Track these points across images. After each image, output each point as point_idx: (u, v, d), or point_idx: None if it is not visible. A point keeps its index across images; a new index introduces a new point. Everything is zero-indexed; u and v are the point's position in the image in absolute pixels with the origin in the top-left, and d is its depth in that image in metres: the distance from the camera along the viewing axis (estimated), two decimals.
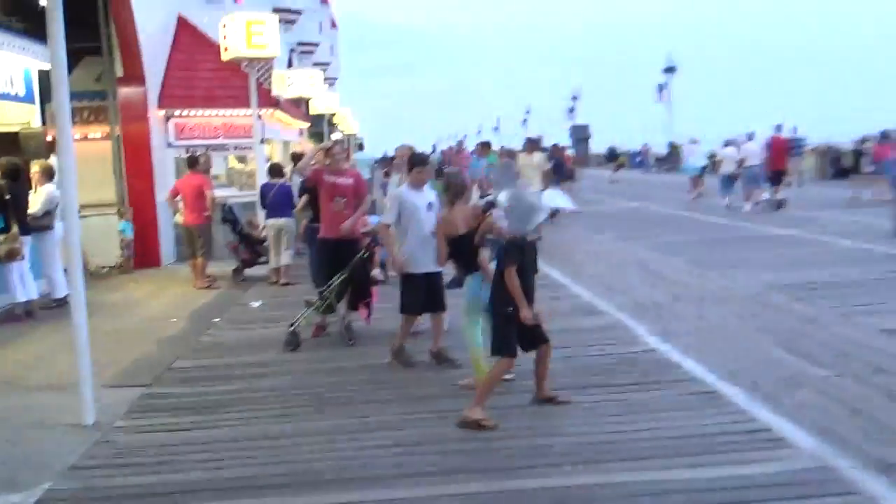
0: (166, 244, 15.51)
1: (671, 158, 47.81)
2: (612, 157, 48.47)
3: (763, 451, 5.22)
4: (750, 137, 23.72)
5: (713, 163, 27.49)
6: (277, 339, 8.96)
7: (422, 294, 7.58)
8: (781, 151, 22.75)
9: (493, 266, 6.77)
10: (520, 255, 6.11)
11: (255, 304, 11.44)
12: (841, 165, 30.33)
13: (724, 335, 8.37)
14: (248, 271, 13.61)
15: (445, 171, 10.10)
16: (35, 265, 10.83)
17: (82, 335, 6.58)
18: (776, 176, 22.23)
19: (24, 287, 10.51)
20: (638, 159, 54.74)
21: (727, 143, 25.35)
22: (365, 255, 8.68)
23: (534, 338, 6.24)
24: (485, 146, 22.06)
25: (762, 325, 8.69)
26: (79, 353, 6.57)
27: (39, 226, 10.83)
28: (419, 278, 7.57)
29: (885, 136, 21.82)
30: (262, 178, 14.16)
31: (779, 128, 23.61)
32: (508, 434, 5.80)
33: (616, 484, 4.84)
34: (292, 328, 8.67)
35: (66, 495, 5.14)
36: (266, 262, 13.38)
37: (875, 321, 8.40)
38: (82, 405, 6.55)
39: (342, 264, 8.60)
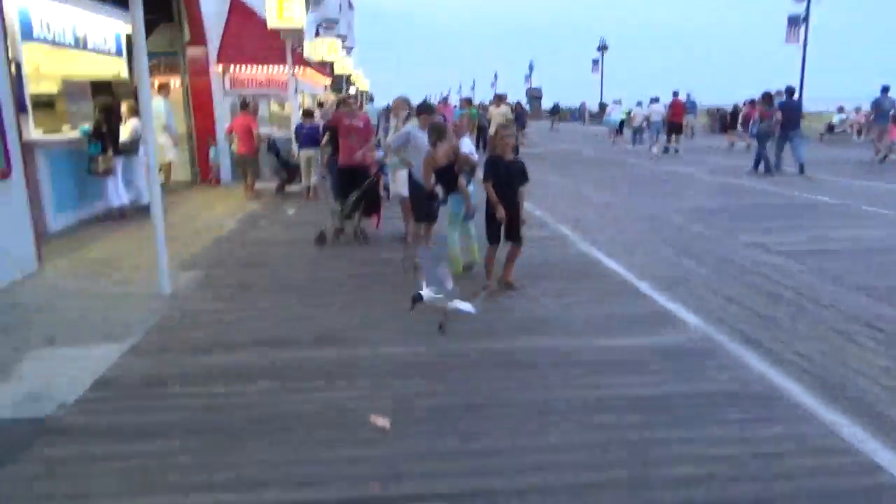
0: (224, 168, 15.20)
1: (600, 114, 47.12)
2: (555, 111, 47.55)
3: (663, 328, 5.22)
4: (655, 100, 24.79)
5: (629, 118, 27.65)
6: (307, 239, 8.84)
7: (426, 205, 7.37)
8: (679, 110, 22.97)
9: (470, 188, 6.67)
10: (495, 172, 6.15)
11: (290, 212, 11.25)
12: (724, 122, 30.07)
13: (636, 244, 8.34)
14: (287, 189, 13.45)
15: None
16: (125, 179, 10.57)
17: (159, 226, 6.42)
18: (675, 128, 22.48)
19: (119, 195, 10.28)
20: (576, 115, 54.21)
21: (638, 104, 27.02)
22: (374, 179, 8.58)
23: (511, 235, 6.25)
24: (467, 101, 22.61)
25: (665, 238, 8.67)
26: (157, 240, 6.43)
27: (127, 150, 10.51)
28: (423, 191, 7.33)
29: (751, 101, 22.36)
30: (296, 119, 13.97)
31: (676, 93, 23.79)
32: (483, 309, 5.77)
33: (550, 348, 4.83)
34: (320, 230, 8.57)
35: (149, 346, 5.08)
36: (299, 183, 13.21)
37: (746, 237, 8.38)
38: (161, 281, 6.45)
39: (356, 185, 8.59)
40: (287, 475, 3.24)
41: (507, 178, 6.16)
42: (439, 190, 6.94)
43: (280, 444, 3.54)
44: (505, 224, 6.18)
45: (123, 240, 8.93)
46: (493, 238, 6.30)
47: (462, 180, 6.64)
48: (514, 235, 6.26)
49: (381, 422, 3.67)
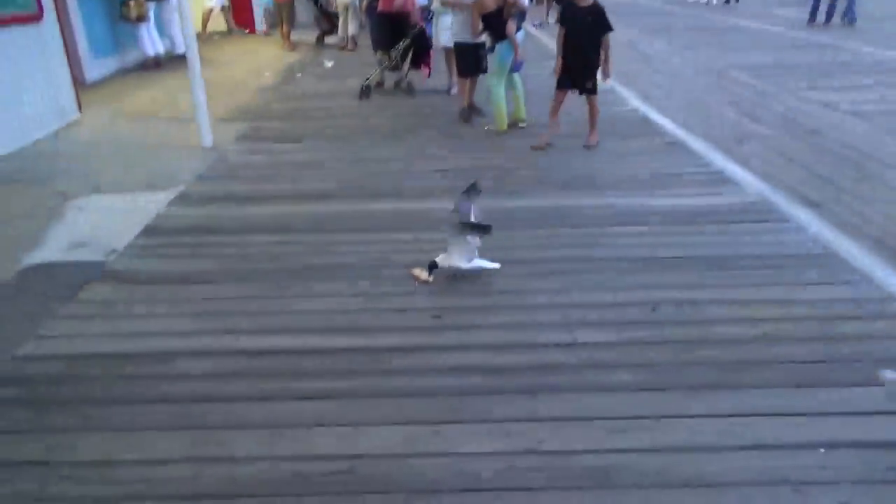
0: (258, 16, 14.59)
1: None
2: None
3: (718, 187, 5.00)
4: None
5: None
6: (346, 90, 8.59)
7: (472, 60, 6.95)
8: None
9: (519, 35, 6.23)
10: (570, 20, 5.87)
11: (329, 64, 10.85)
12: None
13: (691, 101, 7.88)
14: (326, 40, 12.89)
15: None
16: (159, 27, 10.20)
17: (197, 77, 6.25)
18: None
19: (153, 43, 9.98)
20: None
21: None
22: (420, 27, 8.10)
23: (578, 83, 6.02)
24: None
25: (722, 94, 8.15)
26: (195, 91, 6.26)
27: None
28: (470, 48, 6.91)
29: None
30: None
31: None
32: (526, 166, 5.60)
33: (605, 205, 4.69)
34: (366, 81, 8.27)
35: (196, 195, 5.08)
36: (337, 33, 12.63)
37: (815, 95, 7.82)
38: (202, 133, 6.36)
39: (398, 33, 8.17)
40: (328, 322, 3.29)
41: (581, 25, 5.77)
42: (486, 38, 6.52)
43: (322, 295, 3.57)
44: (576, 74, 5.92)
45: (160, 90, 8.78)
46: (561, 83, 6.06)
47: (511, 26, 6.18)
48: (581, 84, 5.96)
49: (423, 275, 3.65)
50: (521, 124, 6.68)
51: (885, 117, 6.78)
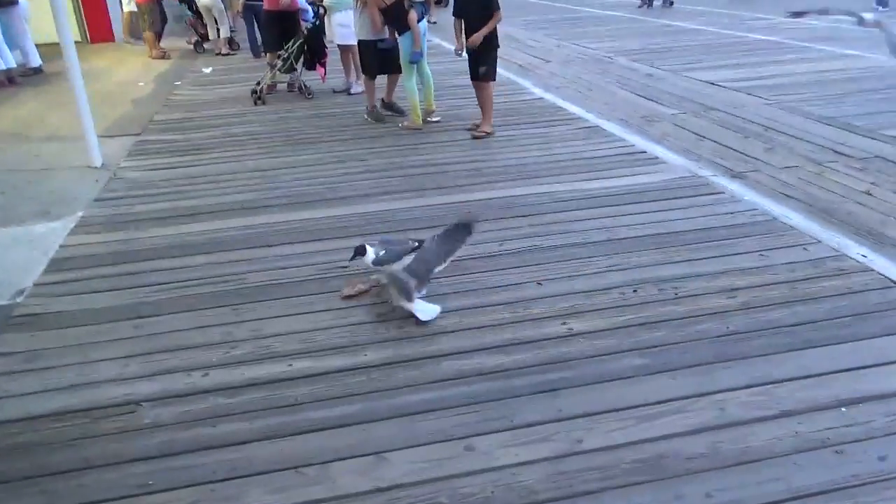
0: (116, 23, 13.35)
1: None
2: None
3: (646, 167, 5.12)
4: None
5: None
6: (236, 97, 8.06)
7: (376, 59, 6.63)
8: None
9: (422, 24, 6.09)
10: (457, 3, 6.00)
11: (207, 70, 10.14)
12: None
13: (590, 87, 8.07)
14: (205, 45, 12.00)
15: None
16: (7, 39, 9.06)
17: (80, 89, 5.58)
18: None
19: (3, 57, 8.85)
20: None
21: None
22: (317, 23, 7.70)
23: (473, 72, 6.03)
24: None
25: (613, 79, 8.42)
26: (80, 105, 5.60)
27: (3, 1, 8.96)
28: (372, 45, 6.59)
29: None
30: None
31: None
32: (454, 160, 5.46)
33: (546, 192, 4.65)
34: (258, 86, 7.76)
35: (99, 220, 4.52)
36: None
37: (698, 75, 8.27)
38: (90, 150, 5.70)
39: (288, 32, 7.75)
40: (305, 343, 2.99)
41: (465, 8, 5.81)
42: (385, 34, 6.34)
43: (284, 313, 3.25)
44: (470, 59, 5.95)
45: (24, 108, 7.81)
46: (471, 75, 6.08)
47: (413, 15, 5.99)
48: (475, 72, 5.96)
49: (355, 289, 3.40)
50: (433, 118, 6.53)
51: (766, 91, 7.28)
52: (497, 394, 2.59)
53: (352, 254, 3.25)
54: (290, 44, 7.66)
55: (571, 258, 3.67)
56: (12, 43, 9.12)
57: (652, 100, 7.21)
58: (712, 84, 7.79)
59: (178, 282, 3.61)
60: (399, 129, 6.40)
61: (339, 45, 7.90)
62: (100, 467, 2.31)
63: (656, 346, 2.84)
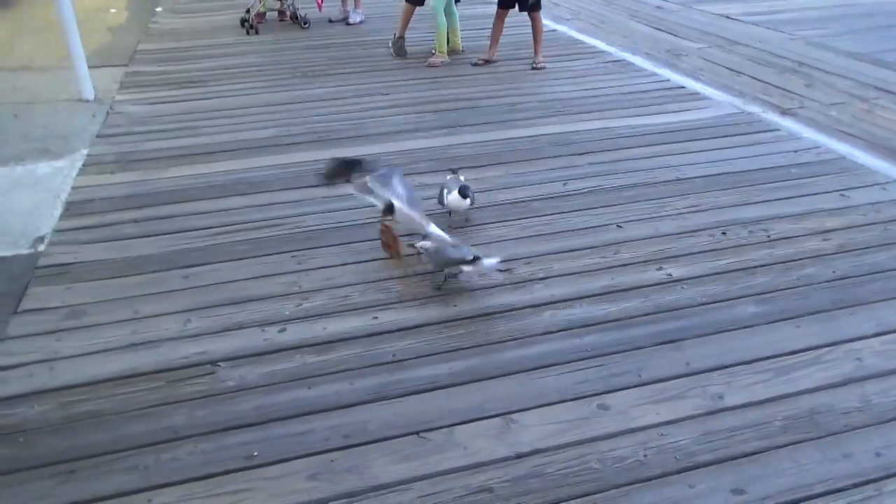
0: None
1: None
2: None
3: (690, 102, 4.89)
4: None
5: None
6: (224, 26, 7.45)
7: None
8: None
9: None
10: None
11: None
12: None
13: (601, 19, 7.69)
14: None
15: None
16: None
17: (70, 15, 5.00)
18: None
19: None
20: None
21: None
22: None
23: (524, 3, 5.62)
24: None
25: (624, 11, 8.05)
26: (68, 32, 5.03)
27: None
28: None
29: None
30: None
31: None
32: (484, 95, 5.12)
33: (594, 129, 4.39)
34: (247, 14, 7.16)
35: (109, 159, 4.09)
36: None
37: (711, 8, 7.97)
38: (80, 82, 5.16)
39: None
40: (387, 293, 2.73)
41: None
42: None
43: (350, 259, 2.97)
44: None
45: None
46: (504, 3, 5.68)
47: None
48: (524, 2, 5.57)
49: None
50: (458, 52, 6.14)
51: (786, 25, 7.05)
52: (615, 346, 2.39)
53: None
54: None
55: (644, 199, 3.45)
56: None
57: (671, 33, 6.91)
58: (728, 18, 7.51)
59: (219, 226, 3.27)
60: (420, 64, 5.95)
61: None
62: (191, 437, 2.05)
63: (767, 293, 2.66)
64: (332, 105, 4.98)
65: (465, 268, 2.65)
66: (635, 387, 2.21)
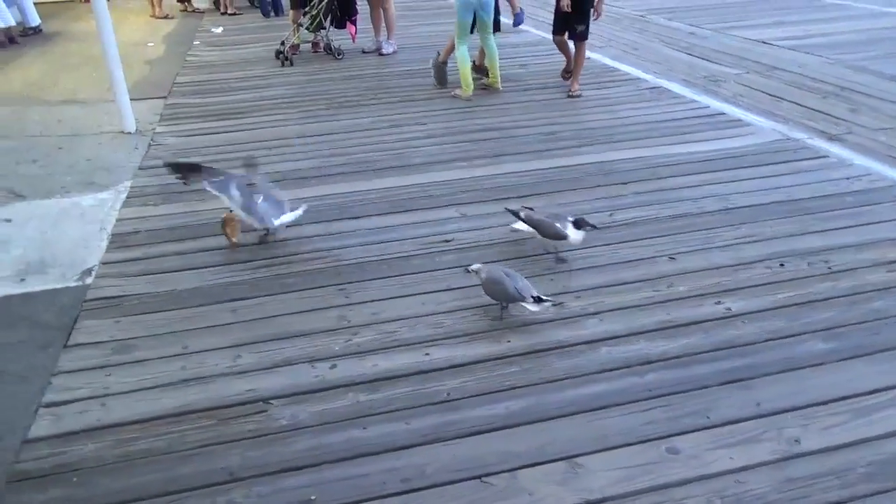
0: None
1: None
2: None
3: (732, 129, 4.81)
4: None
5: None
6: (258, 58, 7.54)
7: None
8: None
9: None
10: None
11: (218, 30, 9.55)
12: None
13: (634, 46, 7.66)
14: (196, 3, 11.33)
15: None
16: None
17: (114, 52, 5.09)
18: None
19: (1, 16, 8.23)
20: None
21: None
22: None
23: (569, 28, 5.62)
24: None
25: (657, 38, 8.02)
26: (112, 67, 5.12)
27: None
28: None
29: None
30: None
31: None
32: (520, 125, 5.09)
33: (636, 158, 4.32)
34: (282, 46, 7.25)
35: (151, 191, 4.11)
36: None
37: (744, 34, 7.90)
38: (122, 114, 5.23)
39: None
40: (436, 328, 2.67)
41: None
42: None
43: (396, 293, 2.92)
44: (567, 14, 5.49)
45: (32, 69, 7.24)
46: (556, 28, 5.71)
47: None
48: (573, 29, 5.56)
49: None
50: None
51: (824, 50, 6.95)
52: (678, 385, 2.29)
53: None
54: (318, 0, 7.15)
55: (693, 229, 3.37)
56: (8, 0, 8.49)
57: (707, 59, 6.84)
58: (764, 43, 7.43)
59: (263, 259, 3.25)
60: (451, 96, 5.92)
61: (370, 0, 7.42)
62: (246, 480, 1.99)
63: (834, 328, 2.56)
64: (370, 135, 4.98)
65: (531, 307, 2.60)
66: (705, 429, 2.11)
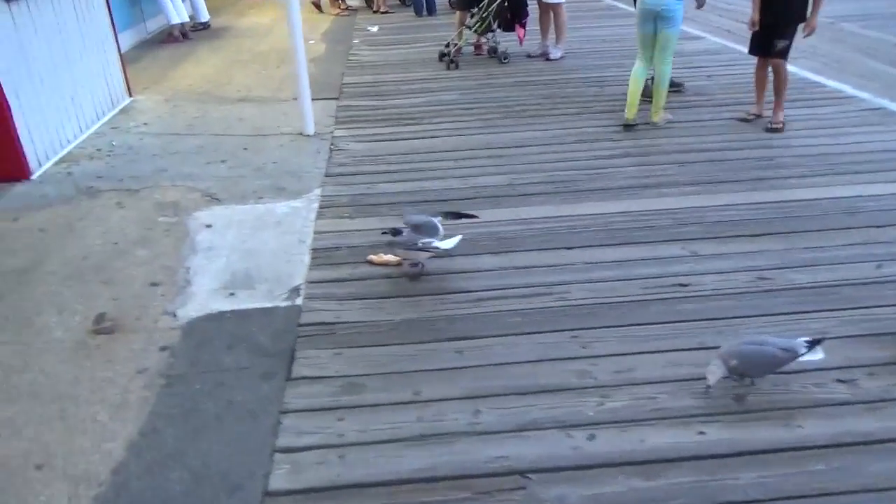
0: None
1: None
2: None
3: None
4: None
5: None
6: (418, 59, 7.38)
7: None
8: None
9: None
10: None
11: (374, 29, 9.55)
12: None
13: (836, 58, 6.82)
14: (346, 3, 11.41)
15: None
16: None
17: (301, 55, 5.05)
18: None
19: (177, 10, 8.57)
20: None
21: None
22: None
23: (764, 46, 4.80)
24: None
25: (857, 49, 7.16)
26: (300, 71, 5.06)
27: None
28: None
29: None
30: None
31: None
32: (729, 147, 4.57)
33: (883, 195, 3.73)
34: (447, 48, 7.06)
35: (343, 201, 3.96)
36: None
37: None
38: (304, 117, 5.17)
39: None
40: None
41: None
42: None
43: (648, 336, 2.56)
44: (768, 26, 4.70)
45: (206, 66, 7.43)
46: (752, 48, 4.95)
47: None
48: (772, 46, 4.74)
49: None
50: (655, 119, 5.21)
51: None
52: None
53: None
54: (487, 1, 6.88)
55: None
56: None
57: None
58: None
59: (479, 290, 2.99)
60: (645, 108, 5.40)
61: (540, 2, 7.07)
62: None
63: None
64: (557, 150, 4.64)
65: (811, 356, 2.20)
66: None
